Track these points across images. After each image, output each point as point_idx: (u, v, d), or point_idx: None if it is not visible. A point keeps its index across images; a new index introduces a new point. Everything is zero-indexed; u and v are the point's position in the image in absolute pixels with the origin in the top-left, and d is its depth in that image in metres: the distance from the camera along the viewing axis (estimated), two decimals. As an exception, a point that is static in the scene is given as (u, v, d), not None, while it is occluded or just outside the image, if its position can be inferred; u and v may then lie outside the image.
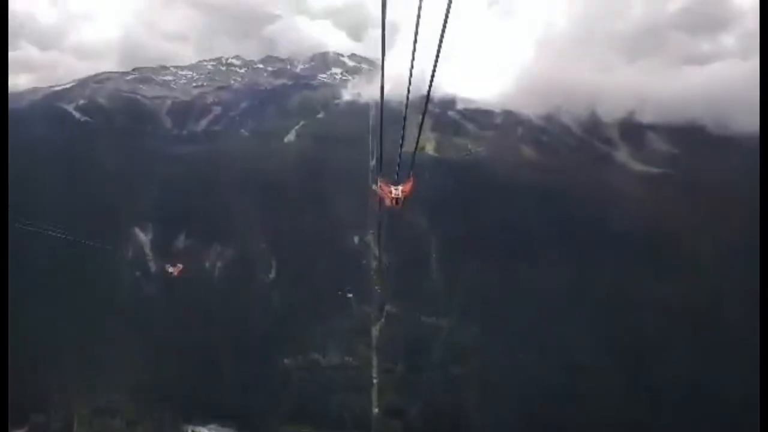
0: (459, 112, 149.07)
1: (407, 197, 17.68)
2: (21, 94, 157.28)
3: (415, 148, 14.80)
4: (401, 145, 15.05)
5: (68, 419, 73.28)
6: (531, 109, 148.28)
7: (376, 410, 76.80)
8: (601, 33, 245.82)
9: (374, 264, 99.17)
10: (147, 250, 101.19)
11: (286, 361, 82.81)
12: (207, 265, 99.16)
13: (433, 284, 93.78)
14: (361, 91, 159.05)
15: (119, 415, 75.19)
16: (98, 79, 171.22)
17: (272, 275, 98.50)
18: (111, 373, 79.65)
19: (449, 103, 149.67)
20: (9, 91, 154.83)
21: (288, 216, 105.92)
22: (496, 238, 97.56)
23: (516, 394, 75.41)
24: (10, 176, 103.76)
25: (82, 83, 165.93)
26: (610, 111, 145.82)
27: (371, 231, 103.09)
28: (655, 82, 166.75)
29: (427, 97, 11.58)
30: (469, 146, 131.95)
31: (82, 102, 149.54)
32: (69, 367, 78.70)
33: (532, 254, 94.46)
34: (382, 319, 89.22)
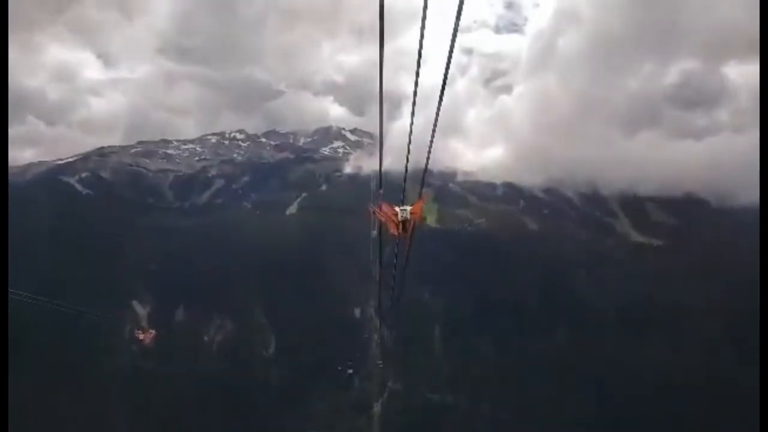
0: (459, 184, 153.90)
1: (417, 221, 13.92)
2: (26, 167, 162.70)
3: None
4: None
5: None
6: (532, 181, 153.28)
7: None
8: (600, 107, 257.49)
9: (376, 338, 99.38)
10: (145, 323, 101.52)
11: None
12: (206, 338, 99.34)
13: (436, 359, 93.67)
14: (362, 164, 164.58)
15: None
16: (102, 152, 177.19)
17: (272, 350, 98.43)
18: None
19: (450, 175, 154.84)
20: (13, 165, 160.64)
21: (289, 289, 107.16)
22: (499, 309, 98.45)
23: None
24: (10, 248, 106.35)
25: (86, 157, 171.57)
26: (610, 183, 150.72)
27: (373, 304, 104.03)
28: (654, 156, 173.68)
29: (426, 166, 11.63)
30: (471, 217, 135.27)
31: (84, 175, 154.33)
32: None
33: (536, 326, 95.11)
34: (385, 395, 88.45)
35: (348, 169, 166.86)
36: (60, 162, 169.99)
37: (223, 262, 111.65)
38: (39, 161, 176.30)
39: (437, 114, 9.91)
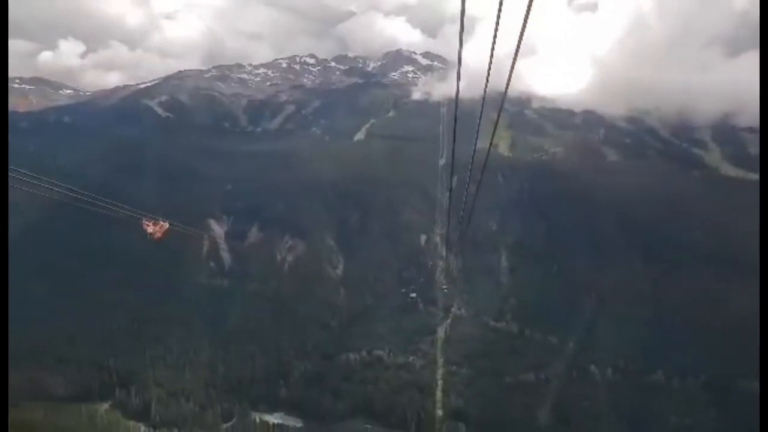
0: (536, 110, 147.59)
1: None
2: (112, 91, 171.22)
3: (489, 148, 13.67)
4: (475, 144, 13.44)
5: (147, 398, 79.48)
6: (614, 109, 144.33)
7: (440, 412, 78.00)
8: (698, 28, 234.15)
9: (441, 264, 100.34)
10: (221, 241, 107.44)
11: (350, 356, 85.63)
12: (278, 258, 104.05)
13: (502, 288, 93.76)
14: (432, 89, 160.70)
15: (192, 399, 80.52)
16: (180, 76, 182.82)
17: (339, 271, 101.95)
18: (186, 360, 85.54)
19: (525, 101, 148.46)
20: (101, 89, 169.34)
21: (356, 213, 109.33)
22: (570, 243, 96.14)
23: (586, 404, 74.40)
24: (100, 169, 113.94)
25: (165, 80, 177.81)
26: (703, 112, 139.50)
27: (438, 231, 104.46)
28: (756, 81, 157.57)
29: (505, 93, 10.67)
30: (546, 146, 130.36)
31: (164, 98, 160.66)
32: (150, 350, 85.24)
33: (612, 262, 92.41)
34: (448, 321, 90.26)
35: (417, 94, 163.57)
36: (141, 86, 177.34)
37: (294, 185, 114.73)
38: (124, 85, 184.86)
39: (522, 32, 8.72)
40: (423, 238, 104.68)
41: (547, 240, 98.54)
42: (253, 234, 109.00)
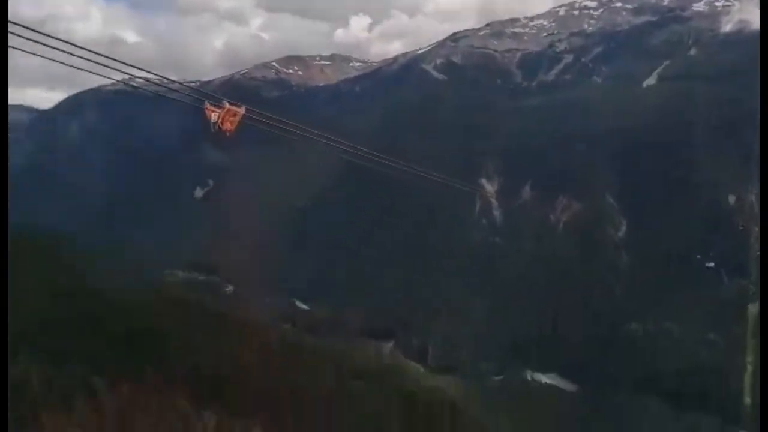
0: None
1: None
2: (393, 60, 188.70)
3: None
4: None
5: (425, 343, 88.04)
6: None
7: (748, 400, 67.96)
8: None
9: (756, 230, 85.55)
10: (493, 199, 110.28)
11: (634, 325, 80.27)
12: (551, 218, 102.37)
13: None
14: (750, 16, 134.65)
15: (466, 349, 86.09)
16: (455, 38, 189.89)
17: (621, 233, 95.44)
18: (461, 312, 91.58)
19: None
20: (385, 58, 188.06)
21: (643, 170, 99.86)
22: None
23: None
24: (385, 132, 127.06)
25: (441, 44, 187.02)
26: None
27: (754, 190, 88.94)
28: None
29: None
30: None
31: (439, 61, 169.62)
32: (429, 301, 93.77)
33: None
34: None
35: (728, 26, 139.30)
36: (419, 51, 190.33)
37: (571, 140, 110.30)
38: (404, 52, 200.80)
39: None
40: (731, 198, 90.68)
41: None
42: (526, 192, 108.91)
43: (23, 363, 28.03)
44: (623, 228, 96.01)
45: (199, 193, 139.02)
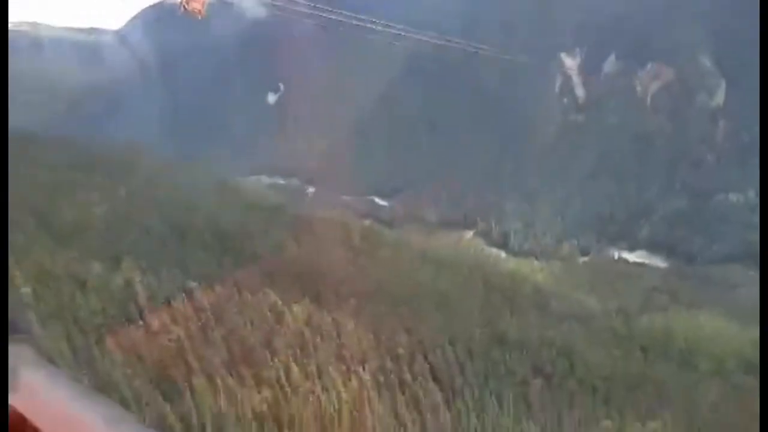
0: None
1: None
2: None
3: None
4: None
5: (506, 229, 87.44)
6: None
7: None
8: None
9: None
10: (575, 75, 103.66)
11: (730, 196, 75.70)
12: (638, 89, 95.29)
13: None
14: None
15: (549, 233, 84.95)
16: None
17: (718, 99, 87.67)
18: (543, 195, 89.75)
19: None
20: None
21: (744, 23, 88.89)
22: None
23: None
24: (449, 20, 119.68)
25: None
26: None
27: None
28: None
29: None
30: None
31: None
32: (508, 185, 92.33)
33: None
34: None
35: None
36: None
37: (658, 1, 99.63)
38: None
39: None
40: None
41: None
42: (610, 64, 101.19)
43: (126, 270, 30.64)
44: (720, 92, 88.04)
45: (271, 98, 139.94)
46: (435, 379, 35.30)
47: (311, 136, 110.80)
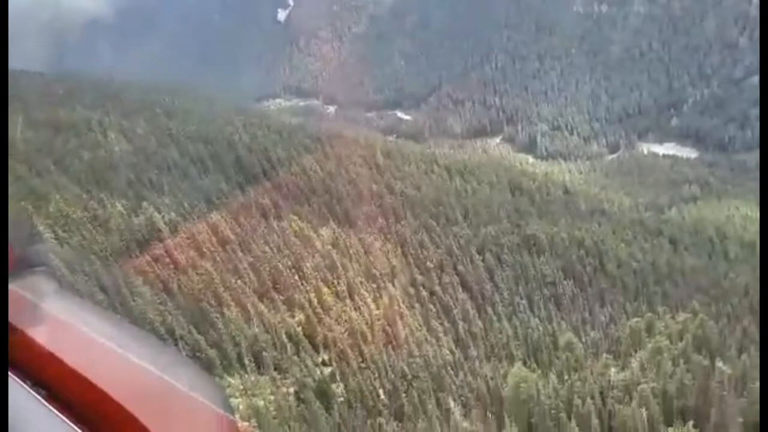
0: None
1: None
2: None
3: None
4: None
5: (533, 132, 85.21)
6: None
7: None
8: None
9: None
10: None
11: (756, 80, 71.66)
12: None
13: None
14: None
15: (576, 132, 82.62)
16: None
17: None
18: (567, 94, 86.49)
19: None
20: None
21: None
22: None
23: None
24: None
25: None
26: None
27: None
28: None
29: None
30: None
31: None
32: (531, 87, 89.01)
33: None
34: None
35: None
36: None
37: None
38: None
39: None
40: None
41: None
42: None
43: (148, 208, 31.08)
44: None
45: (281, 15, 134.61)
46: (465, 288, 35.77)
47: (325, 53, 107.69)
